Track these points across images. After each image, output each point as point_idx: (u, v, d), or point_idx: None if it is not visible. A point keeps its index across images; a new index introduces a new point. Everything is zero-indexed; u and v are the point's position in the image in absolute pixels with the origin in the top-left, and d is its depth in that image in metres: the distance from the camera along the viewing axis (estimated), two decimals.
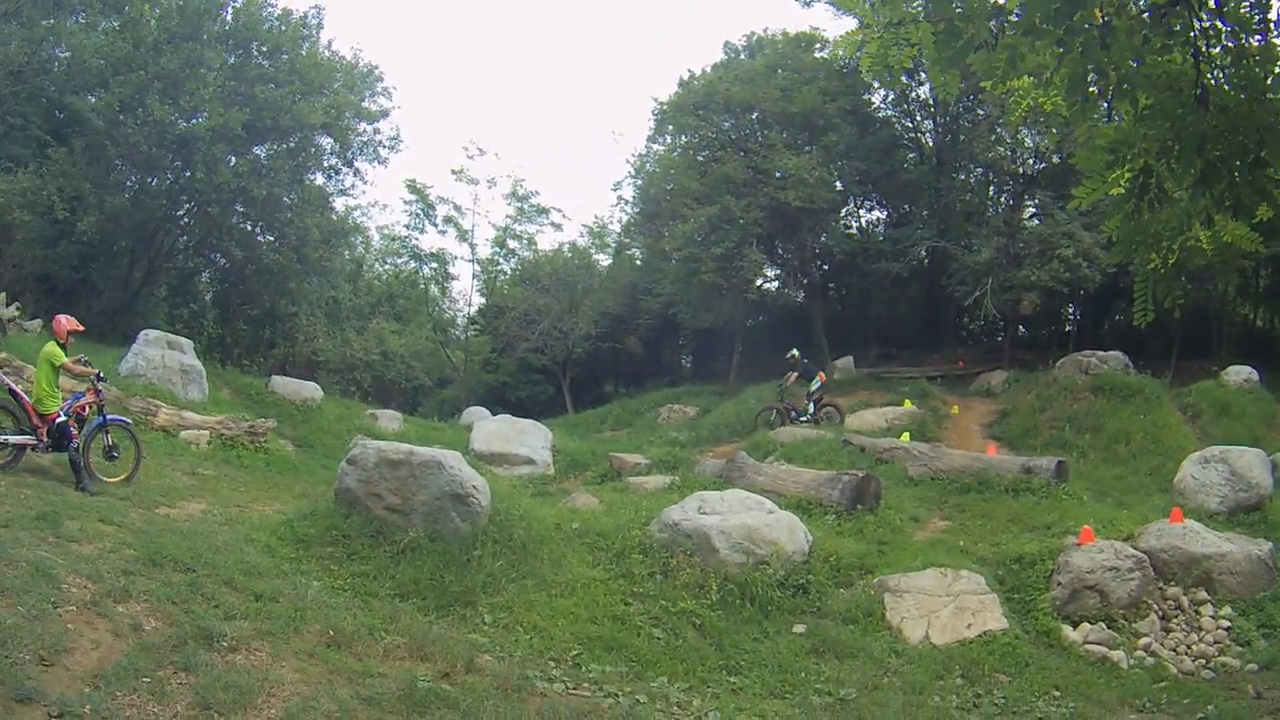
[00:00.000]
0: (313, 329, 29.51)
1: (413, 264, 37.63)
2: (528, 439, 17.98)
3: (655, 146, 33.11)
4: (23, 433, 9.64)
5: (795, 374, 20.82)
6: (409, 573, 8.19)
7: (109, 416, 10.57)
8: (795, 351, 21.14)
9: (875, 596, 9.15)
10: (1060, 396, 20.75)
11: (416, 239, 36.60)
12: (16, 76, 21.41)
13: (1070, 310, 30.90)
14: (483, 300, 37.44)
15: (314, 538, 8.76)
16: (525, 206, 35.70)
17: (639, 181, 33.94)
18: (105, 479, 10.11)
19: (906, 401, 21.90)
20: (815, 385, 20.76)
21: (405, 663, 6.50)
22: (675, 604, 8.47)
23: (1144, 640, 8.70)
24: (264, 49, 25.09)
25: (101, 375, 10.62)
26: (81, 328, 10.52)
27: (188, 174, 23.51)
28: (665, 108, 30.37)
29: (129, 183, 24.19)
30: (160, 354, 16.67)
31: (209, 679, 5.44)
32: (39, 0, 22.09)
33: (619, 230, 37.15)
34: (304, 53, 25.66)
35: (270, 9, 25.23)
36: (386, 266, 40.33)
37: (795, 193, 24.94)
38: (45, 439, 9.72)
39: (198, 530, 8.51)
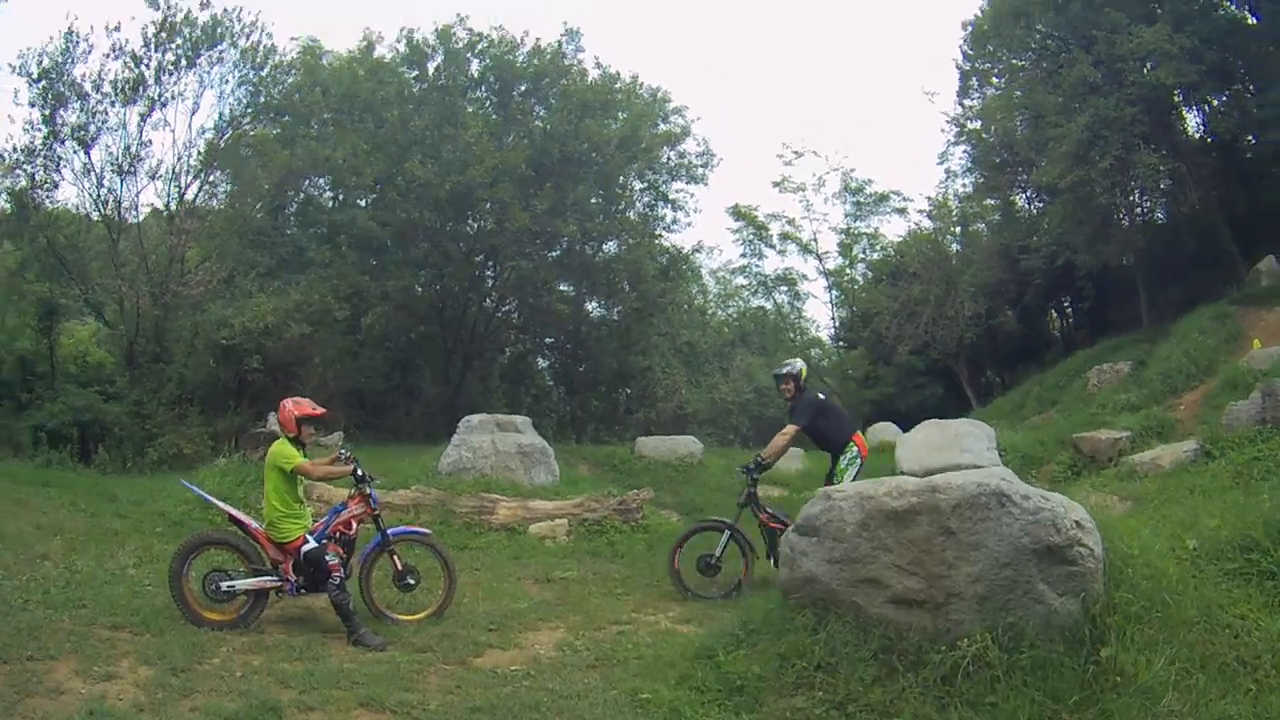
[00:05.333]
0: (672, 381, 26.11)
1: (759, 296, 35.14)
2: (967, 442, 14.45)
3: (969, 102, 28.63)
4: (258, 573, 7.15)
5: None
6: None
7: (392, 530, 7.78)
8: (801, 365, 9.38)
9: None
10: None
11: (758, 265, 33.84)
12: None
13: None
14: (843, 313, 33.99)
15: (758, 680, 5.36)
16: (862, 199, 31.97)
17: (961, 148, 29.74)
18: (400, 618, 7.46)
19: None
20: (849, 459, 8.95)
21: None
22: None
23: None
24: (523, 89, 23.55)
25: (366, 474, 7.53)
26: (320, 411, 7.61)
27: (474, 226, 22.11)
28: (982, 21, 26.22)
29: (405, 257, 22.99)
30: (489, 439, 14.12)
31: None
32: None
33: (956, 207, 31.93)
34: (568, 82, 23.49)
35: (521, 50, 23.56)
36: (729, 310, 37.80)
37: (1165, 69, 20.04)
38: (293, 576, 7.17)
39: (539, 698, 5.43)
